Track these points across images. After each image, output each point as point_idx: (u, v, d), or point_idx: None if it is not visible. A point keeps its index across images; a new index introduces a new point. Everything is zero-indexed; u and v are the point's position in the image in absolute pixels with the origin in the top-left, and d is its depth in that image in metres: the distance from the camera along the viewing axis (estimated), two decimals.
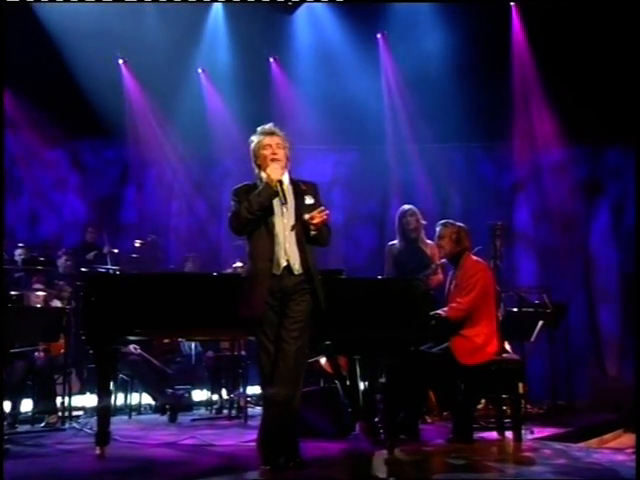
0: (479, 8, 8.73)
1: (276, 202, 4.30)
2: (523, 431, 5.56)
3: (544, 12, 8.59)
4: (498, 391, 5.52)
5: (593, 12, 8.16)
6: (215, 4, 9.56)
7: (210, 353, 7.64)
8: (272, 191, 4.27)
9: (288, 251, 4.27)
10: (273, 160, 4.33)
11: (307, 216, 4.27)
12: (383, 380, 4.92)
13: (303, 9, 9.62)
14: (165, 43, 9.02)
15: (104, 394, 4.64)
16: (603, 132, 8.75)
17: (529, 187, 9.64)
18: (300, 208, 4.34)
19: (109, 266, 8.23)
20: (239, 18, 9.42)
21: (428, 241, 6.57)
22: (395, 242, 6.75)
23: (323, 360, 6.63)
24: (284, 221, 4.30)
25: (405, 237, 6.68)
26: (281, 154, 4.38)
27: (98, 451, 4.59)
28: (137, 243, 8.64)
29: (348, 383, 5.63)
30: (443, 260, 6.05)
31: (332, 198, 10.13)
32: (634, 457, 4.94)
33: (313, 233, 4.28)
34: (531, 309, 6.81)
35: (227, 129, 9.36)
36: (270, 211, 4.29)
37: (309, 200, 4.39)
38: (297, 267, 4.27)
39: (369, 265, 9.24)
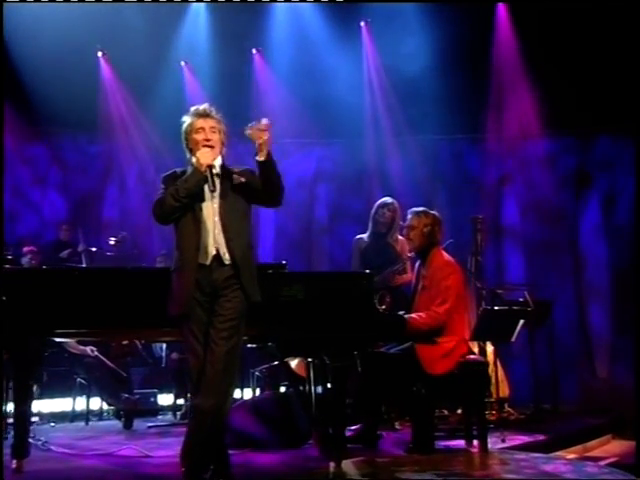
0: None
1: (206, 188, 3.94)
2: (495, 439, 5.23)
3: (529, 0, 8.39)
4: (461, 396, 5.11)
5: None
6: None
7: (174, 355, 7.23)
8: (201, 177, 3.91)
9: (217, 238, 3.89)
10: (205, 146, 3.97)
11: (248, 131, 3.85)
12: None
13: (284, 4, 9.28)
14: (145, 34, 8.74)
15: (21, 402, 4.24)
16: (592, 121, 8.45)
17: (516, 180, 9.35)
18: (227, 191, 3.97)
19: (83, 265, 8.01)
20: (220, 9, 9.12)
21: (399, 237, 6.18)
22: (363, 236, 6.36)
23: (294, 362, 6.26)
24: (213, 206, 3.93)
25: (375, 230, 6.29)
26: (215, 139, 4.01)
27: (14, 465, 4.22)
28: (111, 241, 8.43)
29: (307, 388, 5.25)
30: (411, 254, 5.66)
31: (317, 193, 9.89)
32: (606, 470, 4.59)
33: (261, 159, 3.85)
34: (506, 307, 6.39)
35: None
36: (199, 198, 3.93)
37: (238, 180, 4.01)
38: (228, 257, 3.89)
39: None
